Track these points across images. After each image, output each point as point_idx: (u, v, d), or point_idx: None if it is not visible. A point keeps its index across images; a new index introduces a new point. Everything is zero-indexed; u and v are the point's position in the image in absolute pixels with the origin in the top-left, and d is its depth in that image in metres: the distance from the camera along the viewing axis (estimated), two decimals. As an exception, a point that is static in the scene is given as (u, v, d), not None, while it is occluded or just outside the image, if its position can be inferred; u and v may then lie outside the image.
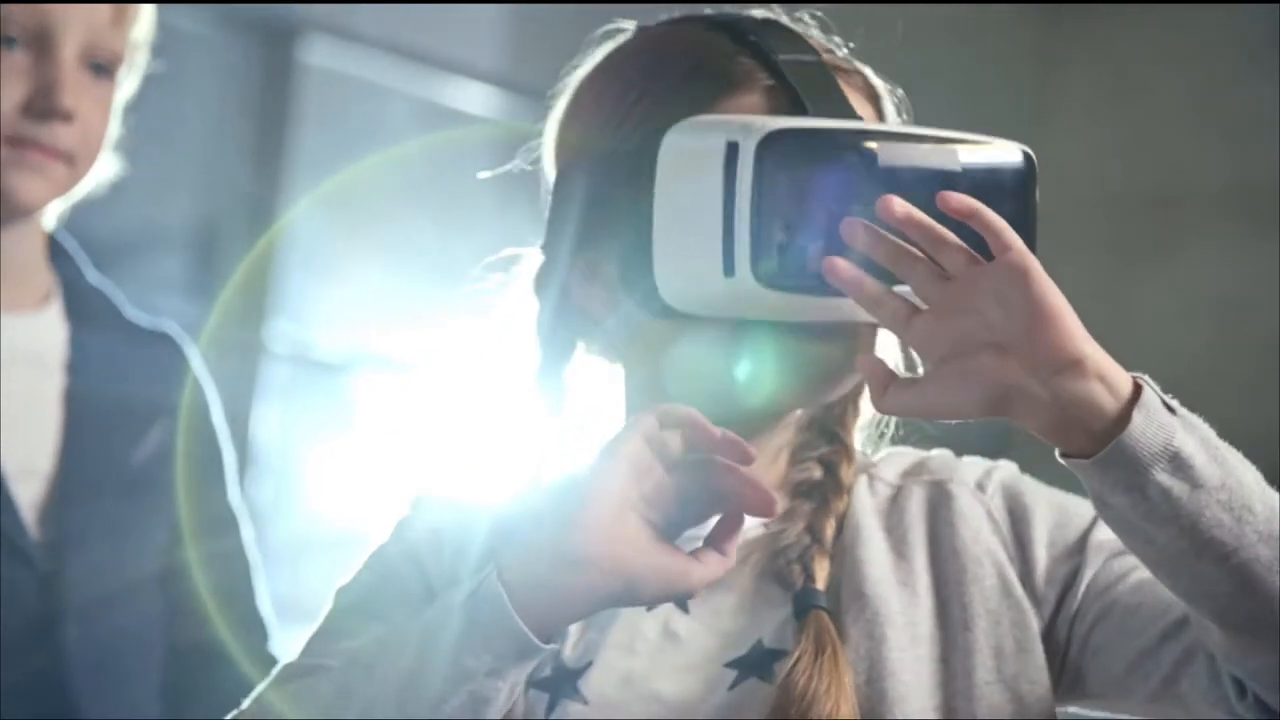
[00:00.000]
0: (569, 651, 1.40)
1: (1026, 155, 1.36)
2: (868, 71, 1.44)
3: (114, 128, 1.89)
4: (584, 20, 1.55)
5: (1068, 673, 1.40)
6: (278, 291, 4.16)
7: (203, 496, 1.92)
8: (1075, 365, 1.23)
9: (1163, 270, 4.82)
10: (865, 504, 1.44)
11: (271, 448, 4.28)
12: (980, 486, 1.44)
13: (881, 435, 1.49)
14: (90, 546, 1.82)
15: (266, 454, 4.28)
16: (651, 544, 1.28)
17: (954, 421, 1.28)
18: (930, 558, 1.41)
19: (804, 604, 1.37)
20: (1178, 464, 1.23)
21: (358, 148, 4.17)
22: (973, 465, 1.46)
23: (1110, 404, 1.23)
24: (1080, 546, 1.41)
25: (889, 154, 1.32)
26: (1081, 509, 1.42)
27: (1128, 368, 1.25)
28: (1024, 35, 5.15)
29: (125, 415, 1.88)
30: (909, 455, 1.48)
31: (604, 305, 1.41)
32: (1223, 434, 1.26)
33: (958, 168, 1.33)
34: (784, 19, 1.44)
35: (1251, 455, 1.25)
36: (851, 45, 1.46)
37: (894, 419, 1.48)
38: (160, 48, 1.97)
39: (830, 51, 1.43)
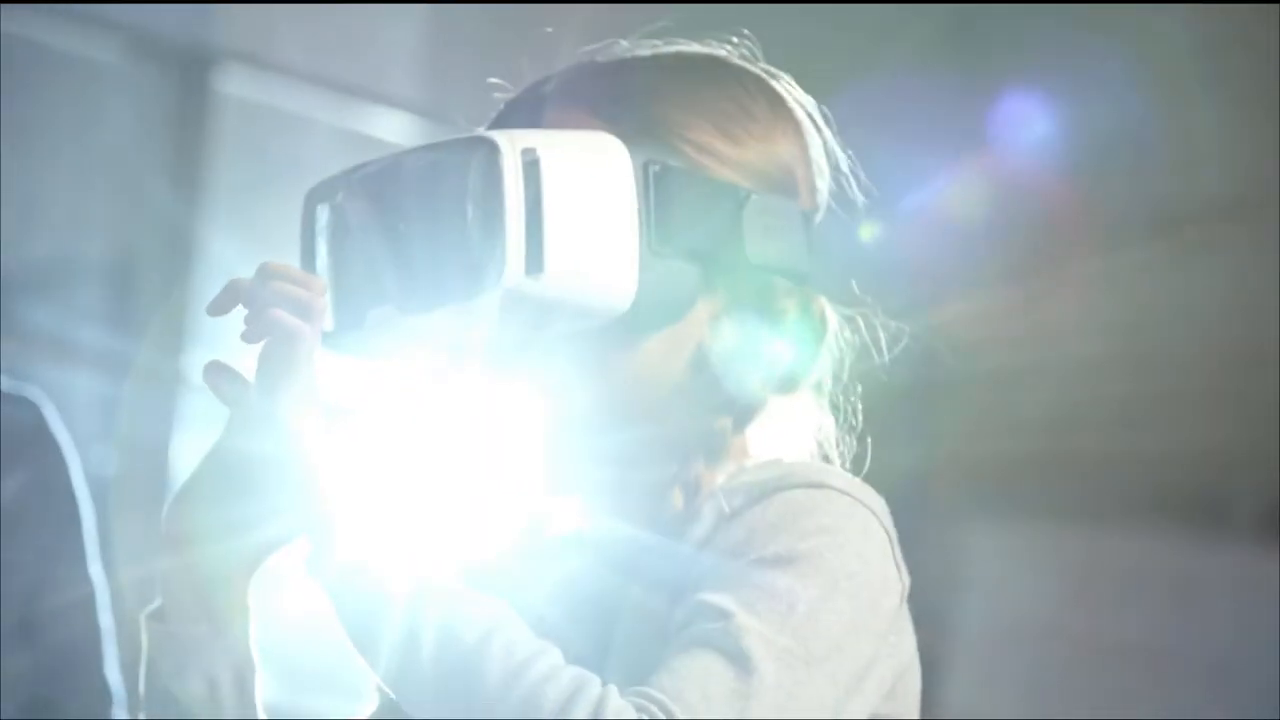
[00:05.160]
0: None
1: (489, 145, 1.34)
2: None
3: None
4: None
5: None
6: (196, 322, 4.13)
7: (56, 559, 1.93)
8: None
9: (1076, 290, 4.84)
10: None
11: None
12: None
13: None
14: None
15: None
16: None
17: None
18: None
19: None
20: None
21: (276, 177, 4.15)
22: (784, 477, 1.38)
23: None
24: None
25: (373, 184, 1.37)
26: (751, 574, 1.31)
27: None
28: (946, 55, 5.18)
29: None
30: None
31: None
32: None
33: (410, 180, 1.35)
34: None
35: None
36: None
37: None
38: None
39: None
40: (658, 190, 1.36)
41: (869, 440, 1.48)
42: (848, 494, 1.35)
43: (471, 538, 1.47)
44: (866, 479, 1.42)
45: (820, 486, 1.35)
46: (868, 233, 1.45)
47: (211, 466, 1.35)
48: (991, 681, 4.51)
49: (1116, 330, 4.74)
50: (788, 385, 1.44)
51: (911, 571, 1.38)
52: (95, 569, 1.96)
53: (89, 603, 1.96)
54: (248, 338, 1.33)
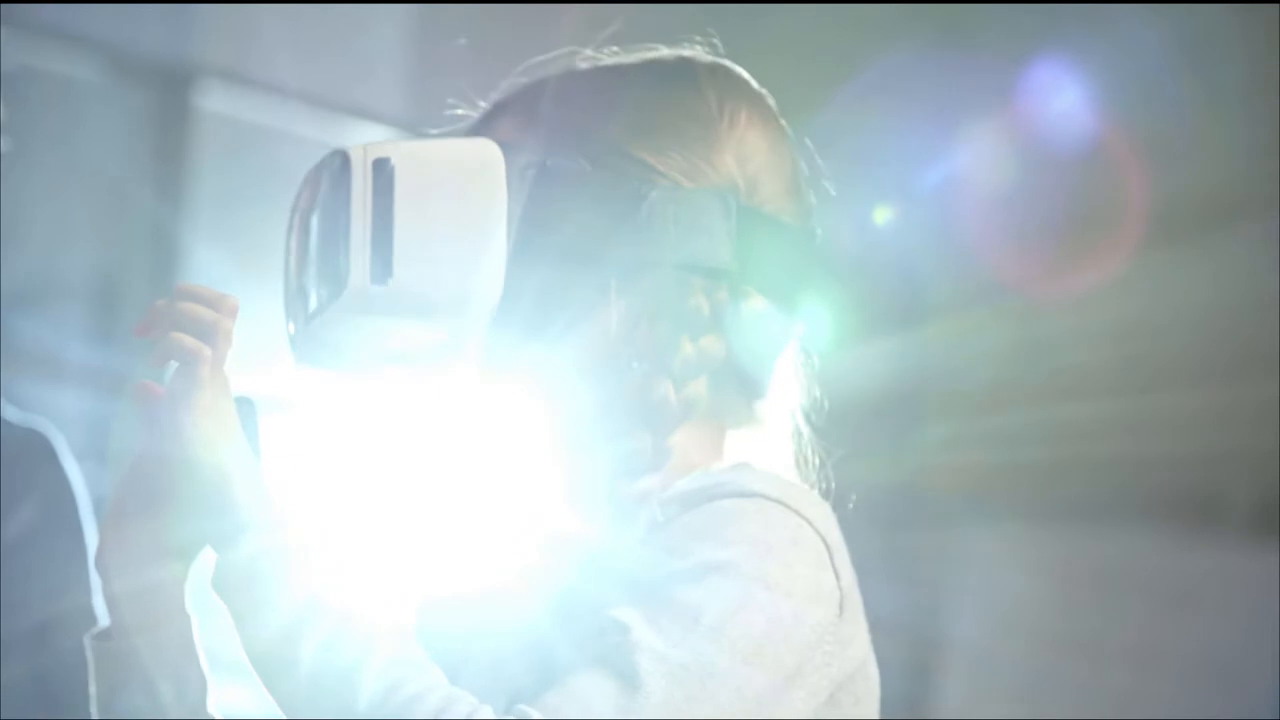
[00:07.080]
0: None
1: (343, 157, 1.37)
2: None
3: None
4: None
5: None
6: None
7: (62, 592, 1.94)
8: None
9: (1073, 292, 4.85)
10: None
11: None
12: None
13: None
14: None
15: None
16: None
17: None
18: None
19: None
20: None
21: (257, 192, 4.15)
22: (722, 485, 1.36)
23: None
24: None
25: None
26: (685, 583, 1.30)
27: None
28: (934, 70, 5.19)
29: None
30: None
31: None
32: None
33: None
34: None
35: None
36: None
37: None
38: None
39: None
40: (536, 194, 1.36)
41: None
42: (781, 502, 1.32)
43: (424, 549, 1.48)
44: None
45: (751, 495, 1.32)
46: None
47: (133, 479, 1.38)
48: (989, 684, 4.51)
49: (1113, 332, 4.74)
50: (729, 391, 1.41)
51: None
52: (98, 601, 1.97)
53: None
54: (152, 361, 1.37)
